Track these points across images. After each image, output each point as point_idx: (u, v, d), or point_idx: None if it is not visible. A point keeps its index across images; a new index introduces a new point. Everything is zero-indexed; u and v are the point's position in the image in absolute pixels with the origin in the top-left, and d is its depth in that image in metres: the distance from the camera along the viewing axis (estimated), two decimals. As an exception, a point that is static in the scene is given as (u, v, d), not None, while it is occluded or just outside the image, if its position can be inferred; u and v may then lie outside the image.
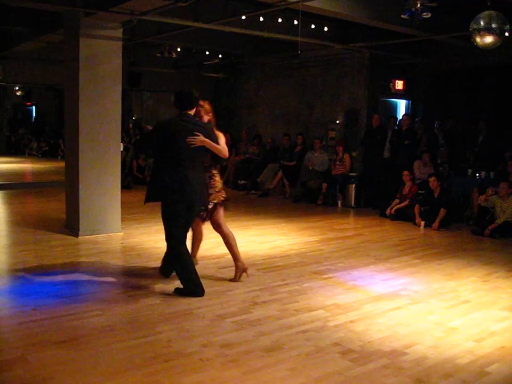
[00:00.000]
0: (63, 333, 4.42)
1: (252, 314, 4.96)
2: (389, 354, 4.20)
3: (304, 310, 5.12)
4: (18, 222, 9.02)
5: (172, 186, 5.27)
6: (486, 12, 6.65)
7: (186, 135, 5.30)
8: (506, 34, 6.70)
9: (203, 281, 5.76)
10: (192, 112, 5.48)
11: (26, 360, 3.90)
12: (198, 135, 5.33)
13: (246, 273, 6.03)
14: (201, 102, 5.66)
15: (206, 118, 5.70)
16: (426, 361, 4.08)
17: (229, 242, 5.97)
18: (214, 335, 4.45)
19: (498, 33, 6.73)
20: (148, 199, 5.50)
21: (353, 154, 12.33)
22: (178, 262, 5.50)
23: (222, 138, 5.67)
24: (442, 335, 4.64)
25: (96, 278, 5.97)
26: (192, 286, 5.43)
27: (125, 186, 12.73)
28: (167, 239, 5.49)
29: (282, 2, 7.64)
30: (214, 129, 5.67)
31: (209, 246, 7.48)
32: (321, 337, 4.49)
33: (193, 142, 5.29)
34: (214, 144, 5.47)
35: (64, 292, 5.49)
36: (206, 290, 5.56)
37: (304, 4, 7.56)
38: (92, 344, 4.23)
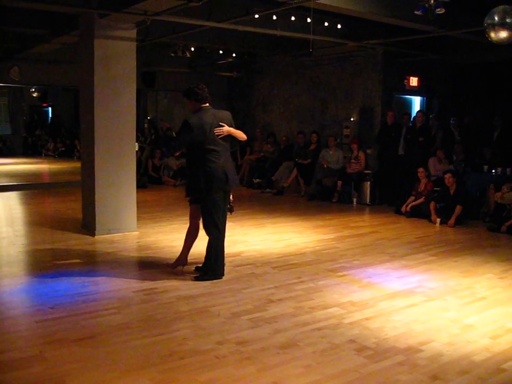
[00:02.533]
0: (80, 331, 4.47)
1: (267, 312, 4.98)
2: (405, 351, 4.19)
3: (319, 308, 5.13)
4: (36, 222, 9.12)
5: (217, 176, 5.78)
6: (501, 7, 6.58)
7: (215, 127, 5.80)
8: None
9: (219, 279, 5.95)
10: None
11: (44, 357, 3.95)
12: (223, 125, 5.83)
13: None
14: None
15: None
16: (442, 358, 4.08)
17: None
18: (229, 332, 4.48)
19: (513, 28, 6.67)
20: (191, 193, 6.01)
21: (368, 151, 12.30)
22: (217, 252, 6.00)
23: None
24: (458, 332, 4.62)
25: (112, 277, 6.03)
26: (216, 273, 5.99)
27: (141, 185, 12.81)
28: (210, 231, 5.93)
29: (294, 1, 7.63)
30: None
31: (225, 244, 7.51)
32: (337, 334, 4.50)
33: (220, 133, 5.80)
34: (235, 131, 5.97)
35: (81, 290, 5.54)
36: (221, 288, 5.65)
37: (316, 1, 7.54)
38: (108, 341, 4.28)
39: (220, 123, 5.83)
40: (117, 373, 3.74)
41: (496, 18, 6.67)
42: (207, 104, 5.90)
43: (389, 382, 3.70)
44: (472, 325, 4.80)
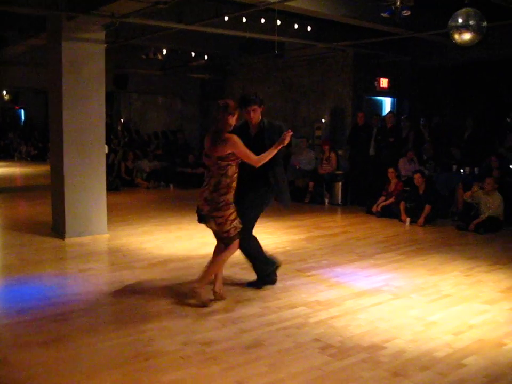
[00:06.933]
0: (46, 334, 4.45)
1: (234, 312, 5.00)
2: (368, 348, 4.25)
3: (286, 307, 5.17)
4: (5, 226, 9.03)
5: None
6: (463, 9, 6.72)
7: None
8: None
9: (188, 280, 5.90)
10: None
11: (8, 361, 3.93)
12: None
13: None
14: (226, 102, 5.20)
15: (232, 120, 5.16)
16: (404, 355, 4.14)
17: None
18: (195, 333, 4.49)
19: (476, 30, 6.81)
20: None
21: (339, 152, 12.39)
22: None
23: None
24: (422, 329, 4.69)
25: (80, 280, 6.01)
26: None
27: (113, 188, 12.78)
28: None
29: (262, 3, 7.68)
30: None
31: (195, 246, 7.56)
32: (302, 333, 4.55)
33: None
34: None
35: (48, 293, 5.51)
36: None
37: (284, 3, 7.60)
38: (74, 344, 4.27)
39: None
40: (80, 376, 3.73)
41: (459, 20, 6.80)
42: None
43: (352, 379, 3.75)
44: (435, 322, 4.88)
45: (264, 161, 5.22)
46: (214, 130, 5.15)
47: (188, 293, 5.32)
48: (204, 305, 5.10)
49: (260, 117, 5.52)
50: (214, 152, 5.09)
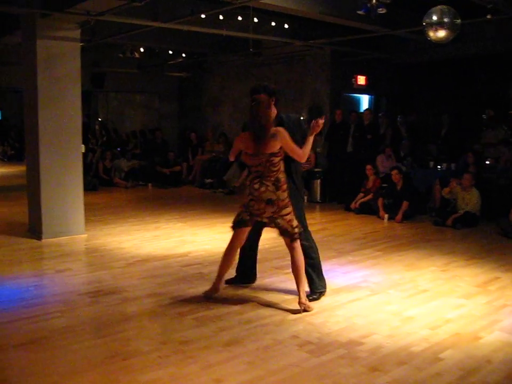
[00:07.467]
0: (22, 336, 4.40)
1: (212, 311, 4.99)
2: (346, 344, 4.27)
3: (264, 305, 5.17)
4: (-19, 227, 8.92)
5: None
6: (438, 7, 6.78)
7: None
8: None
9: (166, 279, 5.88)
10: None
11: (-17, 364, 3.89)
12: None
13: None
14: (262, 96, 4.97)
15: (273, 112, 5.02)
16: (382, 350, 4.17)
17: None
18: (173, 332, 4.48)
19: (450, 27, 6.87)
20: None
21: (318, 149, 12.43)
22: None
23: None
24: (399, 325, 4.73)
25: (57, 281, 5.95)
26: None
27: (91, 188, 12.68)
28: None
29: (239, 0, 7.66)
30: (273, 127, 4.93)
31: (173, 245, 7.54)
32: (280, 330, 4.55)
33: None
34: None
35: (25, 295, 5.45)
36: (167, 289, 5.63)
37: (260, 1, 7.60)
38: (50, 345, 4.22)
39: None
40: (57, 377, 3.70)
41: (434, 17, 6.86)
42: None
43: (330, 375, 3.77)
44: (412, 317, 4.92)
45: (307, 153, 5.02)
46: (257, 127, 4.88)
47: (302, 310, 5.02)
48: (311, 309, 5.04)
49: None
50: (265, 150, 4.86)
